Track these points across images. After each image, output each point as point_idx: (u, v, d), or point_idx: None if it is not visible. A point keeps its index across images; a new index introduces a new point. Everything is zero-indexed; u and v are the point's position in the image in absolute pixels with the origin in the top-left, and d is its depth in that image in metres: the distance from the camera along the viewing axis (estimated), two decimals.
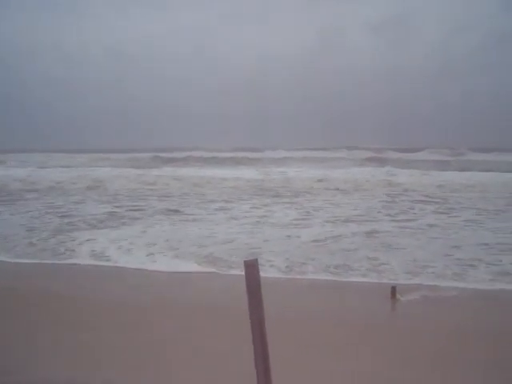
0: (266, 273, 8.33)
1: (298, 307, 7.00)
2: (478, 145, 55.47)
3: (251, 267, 2.96)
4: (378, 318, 6.69)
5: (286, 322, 6.01)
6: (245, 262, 2.99)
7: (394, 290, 7.28)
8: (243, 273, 2.94)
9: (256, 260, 2.98)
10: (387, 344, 5.68)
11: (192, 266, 9.22)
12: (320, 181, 24.40)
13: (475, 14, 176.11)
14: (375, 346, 5.59)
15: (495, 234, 11.70)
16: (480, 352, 5.40)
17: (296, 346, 5.45)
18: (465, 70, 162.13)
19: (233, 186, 23.49)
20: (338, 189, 22.02)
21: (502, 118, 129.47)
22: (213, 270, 9.02)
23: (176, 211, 15.90)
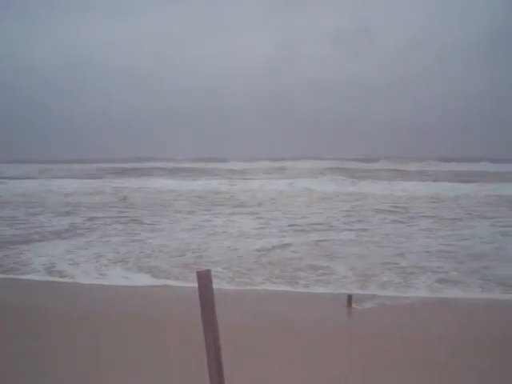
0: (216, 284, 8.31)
1: (255, 317, 7.01)
2: (435, 155, 57.38)
3: (204, 278, 2.99)
4: (335, 326, 6.75)
5: (240, 332, 6.05)
6: (197, 272, 3.02)
7: (350, 298, 7.37)
8: (194, 284, 2.95)
9: (209, 271, 3.02)
10: (343, 351, 5.77)
11: (143, 278, 9.09)
12: (281, 192, 24.67)
13: (432, 26, 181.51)
14: (331, 354, 5.65)
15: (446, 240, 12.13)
16: (432, 355, 5.55)
17: (251, 356, 5.46)
18: (421, 81, 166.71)
19: (192, 196, 23.52)
20: (297, 198, 22.26)
21: (457, 128, 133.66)
22: (163, 281, 8.93)
23: (136, 221, 15.74)
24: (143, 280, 8.99)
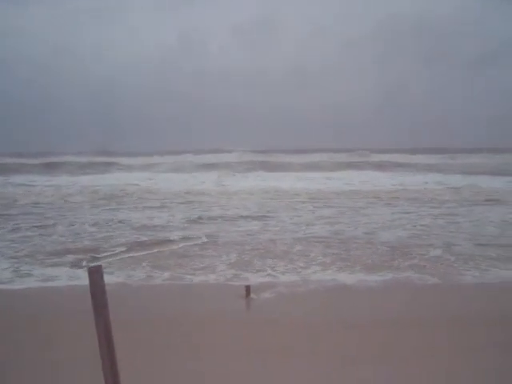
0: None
1: (150, 311, 6.99)
2: (324, 147, 60.03)
3: (95, 273, 2.95)
4: (232, 317, 6.84)
5: (136, 327, 6.02)
6: (88, 268, 2.97)
7: (248, 288, 7.51)
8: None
9: (100, 266, 2.98)
10: (240, 342, 5.87)
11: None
12: (188, 186, 24.53)
13: (334, 18, 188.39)
14: (229, 344, 5.77)
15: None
16: (329, 342, 5.84)
17: (148, 352, 5.44)
18: (325, 72, 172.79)
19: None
20: (211, 194, 22.26)
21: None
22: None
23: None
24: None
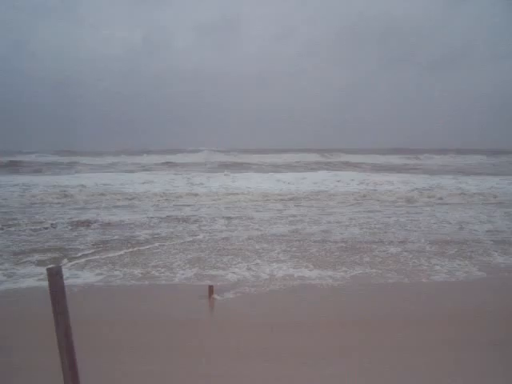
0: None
1: (111, 312, 7.00)
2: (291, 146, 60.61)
3: (54, 275, 2.99)
4: (194, 317, 6.88)
5: (98, 327, 6.04)
6: (48, 269, 3.01)
7: (211, 289, 7.54)
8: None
9: (60, 267, 3.02)
10: (202, 342, 5.93)
11: None
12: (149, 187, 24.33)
13: (299, 20, 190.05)
14: (190, 345, 5.82)
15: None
16: (293, 342, 5.93)
17: (106, 353, 5.47)
18: (288, 73, 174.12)
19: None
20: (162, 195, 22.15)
21: (316, 120, 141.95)
22: None
23: None
24: None
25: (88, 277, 8.68)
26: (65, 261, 9.74)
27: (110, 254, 10.37)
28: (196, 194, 21.72)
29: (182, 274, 8.93)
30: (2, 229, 13.07)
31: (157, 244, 11.39)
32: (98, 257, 10.14)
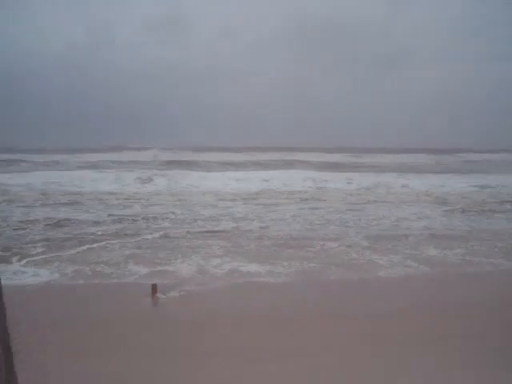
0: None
1: (53, 312, 6.96)
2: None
3: None
4: (138, 316, 6.89)
5: (40, 327, 6.03)
6: None
7: (154, 287, 7.53)
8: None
9: None
10: (145, 341, 5.95)
11: None
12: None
13: (244, 18, 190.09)
14: (134, 344, 5.85)
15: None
16: (239, 340, 6.00)
17: (47, 353, 5.45)
18: (236, 70, 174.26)
19: None
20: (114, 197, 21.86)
21: (272, 117, 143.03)
22: None
23: None
24: None
25: (31, 275, 8.61)
26: (14, 259, 9.58)
27: (57, 253, 10.26)
28: (144, 193, 21.62)
29: (126, 273, 8.95)
30: None
31: (103, 243, 11.33)
32: (43, 256, 10.00)
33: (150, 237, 12.09)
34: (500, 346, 5.81)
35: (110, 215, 15.18)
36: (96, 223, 13.82)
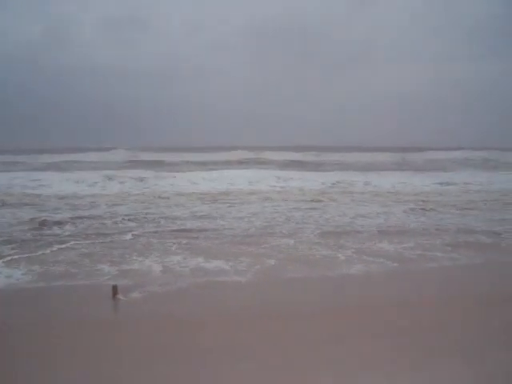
0: None
1: (12, 315, 6.95)
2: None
3: None
4: (98, 318, 6.86)
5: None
6: None
7: (115, 289, 7.47)
8: None
9: None
10: (107, 343, 5.96)
11: None
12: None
13: (206, 17, 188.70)
14: (93, 348, 5.82)
15: None
16: (199, 340, 6.04)
17: (8, 356, 5.46)
18: (197, 69, 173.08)
19: None
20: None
21: (234, 117, 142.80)
22: None
23: None
24: None
25: None
26: None
27: (23, 255, 10.16)
28: (109, 193, 21.52)
29: (91, 274, 8.91)
30: None
31: (70, 243, 11.27)
32: (9, 258, 9.91)
33: (115, 238, 12.06)
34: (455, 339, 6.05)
35: (74, 216, 15.02)
36: (59, 224, 13.70)
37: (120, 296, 7.52)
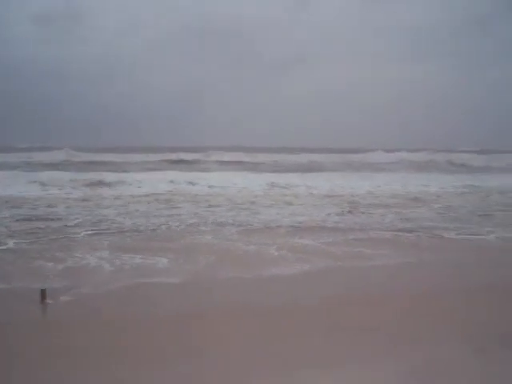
0: None
1: None
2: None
3: None
4: (24, 324, 6.69)
5: None
6: None
7: (43, 293, 7.27)
8: None
9: None
10: (36, 349, 5.90)
11: None
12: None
13: (142, 16, 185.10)
14: (19, 353, 5.77)
15: None
16: (133, 341, 6.05)
17: None
18: (133, 69, 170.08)
19: None
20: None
21: (172, 117, 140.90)
22: None
23: None
24: None
25: None
26: None
27: None
28: (49, 195, 21.16)
29: (22, 277, 8.77)
30: None
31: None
32: None
33: (51, 237, 12.06)
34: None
35: (13, 217, 14.82)
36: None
37: (48, 300, 7.39)
